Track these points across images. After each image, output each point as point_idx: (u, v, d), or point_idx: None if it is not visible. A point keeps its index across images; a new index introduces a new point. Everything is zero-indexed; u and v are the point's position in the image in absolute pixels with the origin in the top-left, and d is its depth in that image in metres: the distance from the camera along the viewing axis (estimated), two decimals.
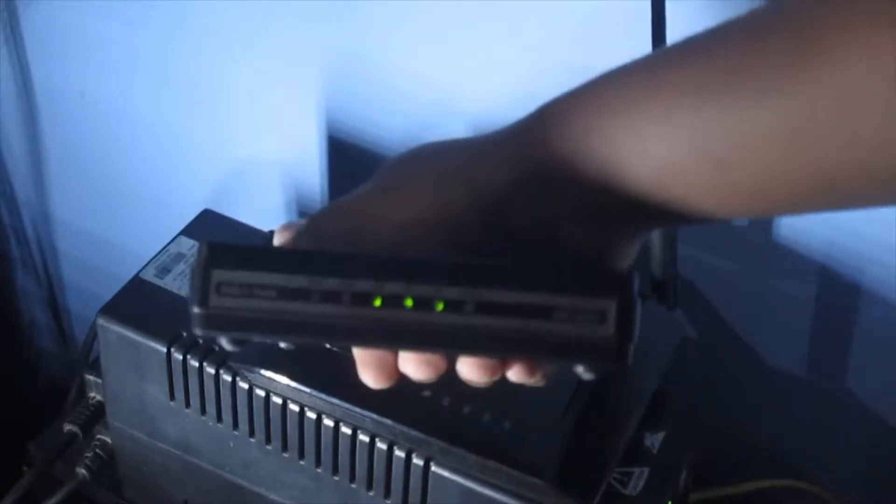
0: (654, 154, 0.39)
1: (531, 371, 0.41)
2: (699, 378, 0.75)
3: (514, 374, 0.41)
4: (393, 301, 0.38)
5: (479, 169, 0.41)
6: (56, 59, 1.00)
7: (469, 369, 0.41)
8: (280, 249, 0.42)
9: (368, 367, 0.42)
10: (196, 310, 0.39)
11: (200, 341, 0.64)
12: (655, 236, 0.67)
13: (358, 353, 0.42)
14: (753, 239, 0.75)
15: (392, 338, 0.39)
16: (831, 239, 0.72)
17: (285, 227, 0.45)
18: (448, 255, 0.40)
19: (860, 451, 0.81)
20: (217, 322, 0.39)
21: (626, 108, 0.40)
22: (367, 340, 0.40)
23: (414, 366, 0.41)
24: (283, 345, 0.41)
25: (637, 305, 0.38)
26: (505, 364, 0.41)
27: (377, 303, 0.38)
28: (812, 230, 0.73)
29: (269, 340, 0.40)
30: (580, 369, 0.40)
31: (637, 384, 0.63)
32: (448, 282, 0.38)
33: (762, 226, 0.74)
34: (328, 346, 0.40)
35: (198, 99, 0.94)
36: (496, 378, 0.41)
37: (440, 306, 0.38)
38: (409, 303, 0.38)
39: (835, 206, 0.40)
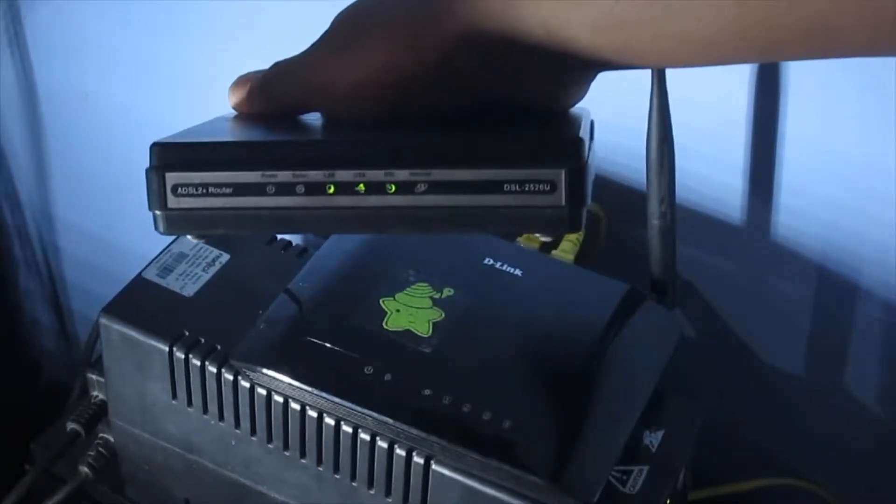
0: (596, 9, 0.39)
1: None
2: (698, 377, 0.76)
3: None
4: (346, 188, 0.39)
5: (422, 29, 0.41)
6: (58, 60, 1.01)
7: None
8: (231, 144, 0.42)
9: None
10: (157, 212, 0.40)
11: (202, 340, 0.64)
12: (655, 236, 0.67)
13: None
14: (752, 239, 0.75)
15: (349, 223, 0.40)
16: (829, 239, 0.73)
17: (240, 83, 0.46)
18: (397, 135, 0.41)
19: (860, 451, 0.81)
20: (179, 222, 0.40)
21: None
22: (326, 227, 0.41)
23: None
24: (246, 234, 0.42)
25: (588, 169, 0.39)
26: None
27: (331, 190, 0.39)
28: (810, 230, 0.73)
29: (231, 233, 0.41)
30: (536, 234, 0.40)
31: (636, 383, 0.63)
32: (398, 164, 0.39)
33: (761, 226, 0.74)
34: (291, 233, 0.41)
35: (199, 99, 0.94)
36: None
37: (393, 188, 0.39)
38: (362, 188, 0.39)
39: (790, 59, 0.39)
